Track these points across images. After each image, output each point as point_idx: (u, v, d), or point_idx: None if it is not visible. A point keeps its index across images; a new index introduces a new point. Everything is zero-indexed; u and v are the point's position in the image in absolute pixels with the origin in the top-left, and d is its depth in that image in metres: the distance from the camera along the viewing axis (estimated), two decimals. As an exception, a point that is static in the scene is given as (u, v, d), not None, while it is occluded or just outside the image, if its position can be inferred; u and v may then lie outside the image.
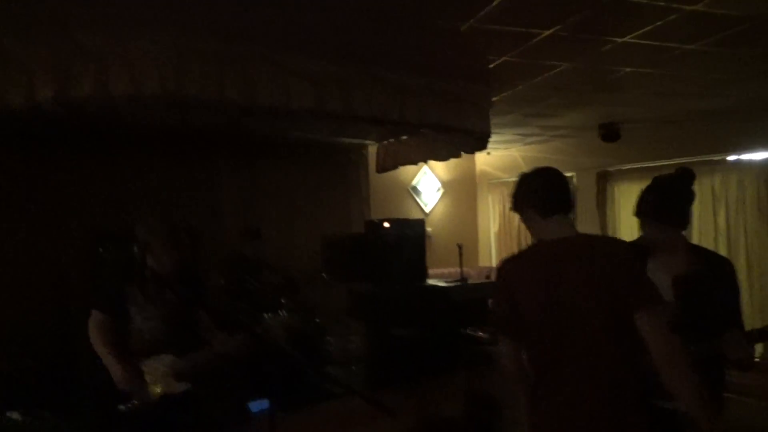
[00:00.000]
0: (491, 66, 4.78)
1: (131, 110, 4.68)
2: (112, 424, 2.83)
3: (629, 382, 1.82)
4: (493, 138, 7.73)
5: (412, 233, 5.39)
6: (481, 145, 5.76)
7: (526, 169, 8.47)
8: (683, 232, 2.42)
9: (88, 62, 3.49)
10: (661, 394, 1.85)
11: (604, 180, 7.64)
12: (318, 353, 4.89)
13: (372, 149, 7.78)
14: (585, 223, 7.84)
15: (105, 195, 5.00)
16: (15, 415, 3.83)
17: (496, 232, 9.10)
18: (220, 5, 3.57)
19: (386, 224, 5.24)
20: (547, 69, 4.79)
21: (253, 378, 4.23)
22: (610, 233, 7.56)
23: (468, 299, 5.07)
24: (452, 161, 8.97)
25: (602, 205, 7.68)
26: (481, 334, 4.77)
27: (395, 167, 7.50)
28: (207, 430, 2.94)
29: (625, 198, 7.53)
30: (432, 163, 8.69)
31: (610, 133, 6.60)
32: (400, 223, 5.29)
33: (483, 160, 9.24)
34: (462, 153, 6.50)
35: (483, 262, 9.18)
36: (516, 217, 8.46)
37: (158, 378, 2.72)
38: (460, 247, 5.92)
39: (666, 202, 2.28)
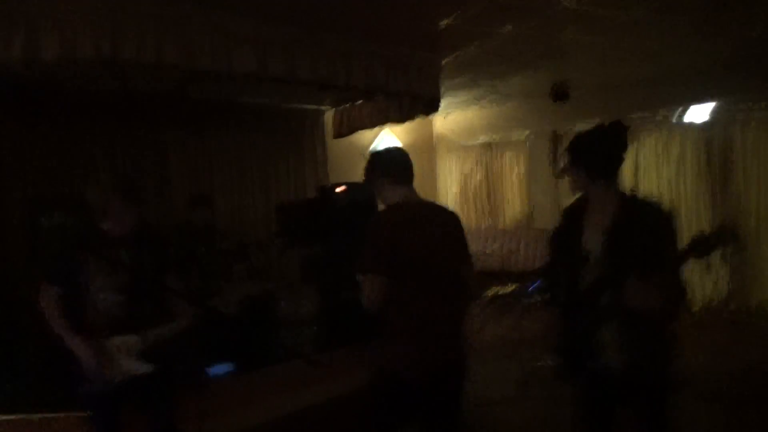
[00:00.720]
0: (438, 30, 4.76)
1: (69, 75, 4.58)
2: (74, 406, 2.75)
3: (460, 308, 2.65)
4: (448, 99, 7.80)
5: (364, 197, 5.41)
6: (432, 108, 5.81)
7: (483, 132, 8.52)
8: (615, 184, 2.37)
9: (18, 25, 3.39)
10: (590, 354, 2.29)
11: (556, 140, 7.78)
12: (271, 317, 4.94)
13: (329, 114, 7.75)
14: (540, 182, 8.02)
15: (45, 164, 4.86)
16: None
17: (455, 194, 9.22)
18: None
19: (339, 189, 5.25)
20: (490, 34, 4.78)
21: (212, 342, 4.31)
22: (561, 191, 7.74)
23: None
24: (411, 124, 9.00)
25: (555, 163, 7.83)
26: None
27: (351, 132, 7.50)
28: (169, 401, 2.73)
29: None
30: (394, 126, 8.69)
31: (560, 93, 6.71)
32: (352, 188, 5.29)
33: (441, 123, 9.27)
34: (416, 116, 6.55)
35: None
36: (476, 179, 8.58)
37: (121, 359, 2.53)
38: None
39: (598, 154, 2.31)
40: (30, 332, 3.90)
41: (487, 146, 8.73)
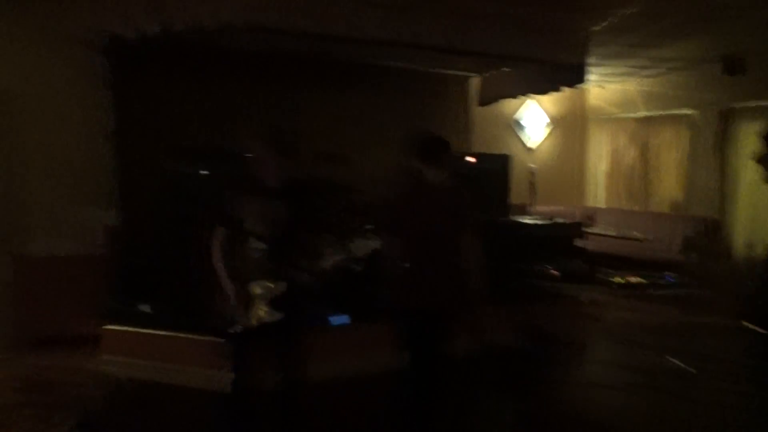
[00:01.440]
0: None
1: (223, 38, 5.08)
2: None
3: (453, 267, 3.10)
4: (605, 70, 7.32)
5: (494, 168, 5.35)
6: (577, 79, 5.51)
7: (641, 105, 7.79)
8: None
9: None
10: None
11: (726, 118, 6.91)
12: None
13: (474, 81, 7.67)
14: (702, 164, 7.23)
15: (202, 116, 5.54)
16: (144, 307, 4.62)
17: (606, 171, 8.67)
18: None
19: (469, 158, 5.24)
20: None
21: (335, 294, 4.63)
22: (729, 179, 6.92)
23: (544, 237, 4.98)
24: (563, 95, 8.61)
25: (722, 147, 6.99)
26: (554, 272, 4.71)
27: (496, 100, 7.39)
28: (295, 347, 2.94)
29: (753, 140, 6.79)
30: (540, 97, 8.38)
31: (733, 65, 5.93)
32: (483, 158, 5.25)
33: (596, 94, 8.71)
34: (560, 87, 6.26)
35: (590, 202, 8.86)
36: (629, 156, 7.96)
37: (256, 304, 2.76)
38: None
39: None
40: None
41: (645, 121, 8.05)
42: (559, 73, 5.52)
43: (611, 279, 6.02)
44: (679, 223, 7.13)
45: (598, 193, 8.82)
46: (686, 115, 7.45)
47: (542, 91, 6.47)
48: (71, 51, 4.63)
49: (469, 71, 7.41)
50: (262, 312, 2.76)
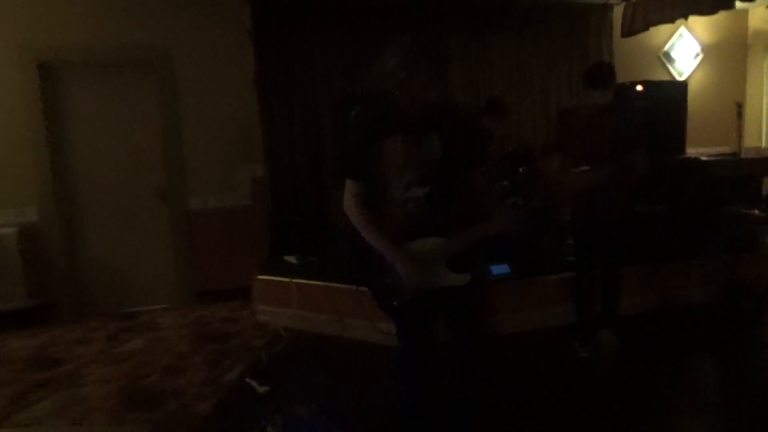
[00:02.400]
0: None
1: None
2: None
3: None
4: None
5: (668, 97, 4.70)
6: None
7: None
8: None
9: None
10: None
11: None
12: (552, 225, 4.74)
13: (617, 11, 6.91)
14: None
15: (347, 65, 5.36)
16: (291, 259, 4.61)
17: (769, 106, 7.59)
18: None
19: (639, 87, 4.65)
20: None
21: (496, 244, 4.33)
22: None
23: (735, 176, 4.32)
24: (718, 19, 7.58)
25: None
26: (756, 211, 4.05)
27: (646, 28, 6.57)
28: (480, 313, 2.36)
29: None
30: (691, 23, 7.41)
31: None
32: (655, 86, 4.63)
33: (760, 15, 7.55)
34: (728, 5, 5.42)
35: (751, 142, 7.82)
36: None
37: (428, 265, 2.17)
38: (739, 106, 4.86)
39: None
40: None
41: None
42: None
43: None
44: None
45: (762, 132, 7.74)
46: None
47: (708, 11, 5.61)
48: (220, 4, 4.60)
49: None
50: (435, 273, 2.17)
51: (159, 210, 4.85)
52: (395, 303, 2.23)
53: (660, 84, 5.04)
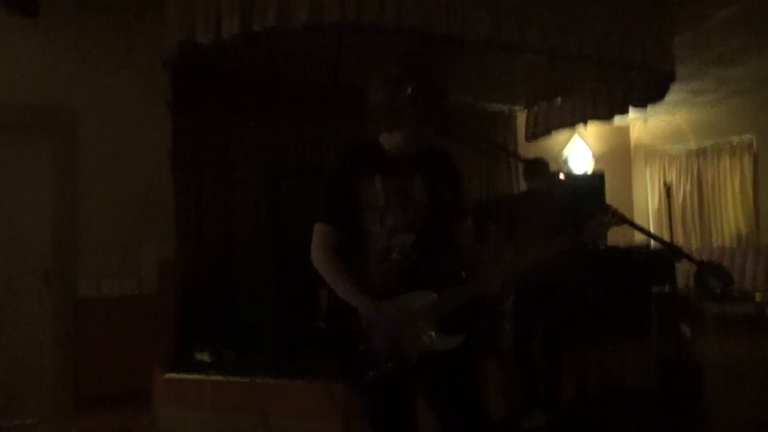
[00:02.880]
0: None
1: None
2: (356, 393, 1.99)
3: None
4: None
5: (588, 188, 4.95)
6: (660, 92, 5.18)
7: (693, 137, 7.66)
8: None
9: (272, -6, 3.52)
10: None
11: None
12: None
13: (521, 117, 7.42)
14: (765, 191, 6.92)
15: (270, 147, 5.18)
16: (203, 356, 3.99)
17: (654, 210, 8.30)
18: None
19: (561, 176, 4.85)
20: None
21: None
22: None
23: (652, 263, 4.53)
24: (605, 132, 8.40)
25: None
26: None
27: (548, 132, 7.04)
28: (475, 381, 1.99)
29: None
30: (583, 134, 8.12)
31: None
32: (575, 178, 4.86)
33: (640, 129, 8.48)
34: (627, 110, 5.98)
35: (642, 237, 8.43)
36: (679, 191, 7.60)
37: (417, 328, 1.82)
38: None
39: None
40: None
41: (698, 153, 7.75)
42: (640, 87, 5.22)
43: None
44: (749, 254, 6.71)
45: (651, 228, 8.39)
46: (746, 142, 7.17)
47: (605, 117, 6.12)
48: (137, 69, 4.24)
49: (516, 105, 7.18)
50: (426, 337, 1.80)
51: (41, 297, 4.08)
52: (371, 374, 1.79)
53: (579, 176, 5.29)
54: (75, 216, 4.14)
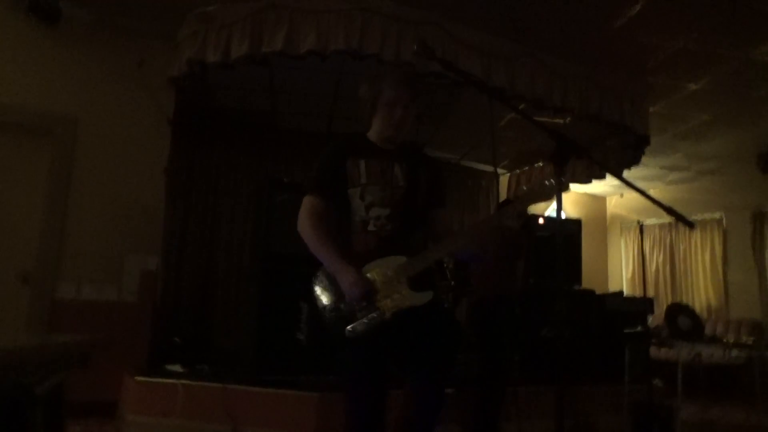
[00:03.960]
0: (656, 59, 4.61)
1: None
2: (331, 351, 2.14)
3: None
4: (632, 174, 7.43)
5: (566, 232, 5.13)
6: (635, 157, 5.49)
7: (665, 211, 8.14)
8: None
9: (280, 21, 3.79)
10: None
11: (761, 220, 6.96)
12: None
13: (504, 179, 7.72)
14: (737, 269, 7.16)
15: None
16: (176, 367, 3.94)
17: (628, 278, 8.52)
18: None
19: (540, 220, 5.04)
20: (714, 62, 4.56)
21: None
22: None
23: (624, 310, 4.65)
24: (584, 198, 8.74)
25: (760, 248, 6.95)
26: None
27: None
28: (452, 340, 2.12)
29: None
30: (564, 199, 8.44)
31: (768, 164, 6.12)
32: (553, 221, 5.05)
33: (615, 202, 8.85)
34: (603, 175, 6.31)
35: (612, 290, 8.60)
36: (654, 262, 7.85)
37: (390, 287, 2.02)
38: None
39: None
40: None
41: (671, 226, 8.08)
42: (617, 150, 5.54)
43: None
44: (719, 325, 6.86)
45: (624, 289, 8.57)
46: (716, 219, 7.50)
47: (584, 180, 6.44)
48: (143, 86, 4.43)
49: (499, 167, 7.50)
50: (398, 295, 2.00)
51: (19, 298, 4.04)
52: (349, 330, 2.01)
53: (558, 220, 5.48)
54: (64, 220, 4.17)
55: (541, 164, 7.13)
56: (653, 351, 4.95)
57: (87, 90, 4.32)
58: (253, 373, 3.66)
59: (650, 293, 8.05)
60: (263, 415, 3.36)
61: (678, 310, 3.93)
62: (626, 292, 8.47)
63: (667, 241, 8.08)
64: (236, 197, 5.39)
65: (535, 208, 7.70)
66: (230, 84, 4.83)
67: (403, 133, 2.26)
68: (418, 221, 2.21)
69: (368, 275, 2.04)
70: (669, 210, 1.62)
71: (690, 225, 1.71)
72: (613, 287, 8.65)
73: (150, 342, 4.20)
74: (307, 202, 2.18)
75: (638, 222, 4.41)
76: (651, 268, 8.18)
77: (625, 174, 6.48)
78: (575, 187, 7.99)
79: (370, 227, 2.12)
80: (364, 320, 2.00)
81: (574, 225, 5.74)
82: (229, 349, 4.36)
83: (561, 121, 5.25)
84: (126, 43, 4.44)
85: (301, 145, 5.85)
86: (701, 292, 7.55)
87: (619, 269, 8.76)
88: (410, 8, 3.88)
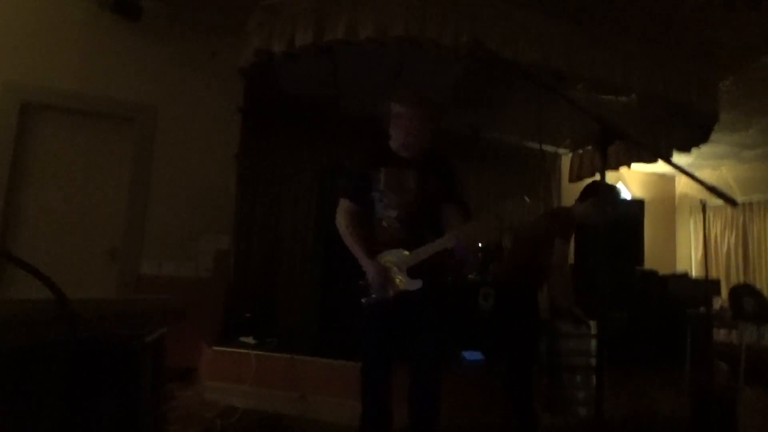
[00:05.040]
0: (724, 34, 4.43)
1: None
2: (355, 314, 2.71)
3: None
4: (702, 151, 7.17)
5: (629, 214, 5.08)
6: (703, 135, 5.34)
7: (738, 191, 7.69)
8: None
9: (342, 10, 3.94)
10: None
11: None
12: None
13: (566, 160, 7.63)
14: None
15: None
16: (248, 339, 4.26)
17: (698, 260, 8.25)
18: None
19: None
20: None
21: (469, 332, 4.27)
22: None
23: (688, 292, 4.57)
24: (651, 178, 8.49)
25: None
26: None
27: (592, 174, 7.24)
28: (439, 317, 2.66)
29: None
30: (629, 179, 8.25)
31: None
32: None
33: (685, 181, 8.54)
34: (670, 154, 6.13)
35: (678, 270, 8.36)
36: (726, 244, 7.56)
37: (394, 273, 2.61)
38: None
39: None
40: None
41: (744, 207, 7.75)
42: (683, 130, 5.40)
43: None
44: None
45: (693, 271, 8.32)
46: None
47: (647, 160, 6.31)
48: (216, 75, 4.71)
49: (561, 147, 7.41)
50: (398, 280, 2.60)
51: (107, 272, 4.45)
52: (364, 301, 2.64)
53: (622, 201, 5.41)
54: (146, 200, 4.54)
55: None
56: (718, 334, 4.85)
57: (165, 80, 4.64)
58: (317, 345, 3.90)
59: (721, 275, 7.80)
60: (326, 383, 3.60)
61: (744, 292, 3.84)
62: (696, 274, 8.23)
63: (740, 222, 7.76)
64: (300, 182, 5.65)
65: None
66: (295, 72, 5.04)
67: (418, 142, 2.68)
68: (428, 219, 2.67)
69: (382, 262, 2.62)
70: (711, 189, 1.66)
71: (733, 203, 1.76)
72: (681, 269, 8.42)
73: (224, 315, 4.53)
74: (342, 205, 2.77)
75: (701, 201, 4.30)
76: (722, 249, 7.89)
77: (695, 152, 6.33)
78: (641, 167, 7.77)
79: (384, 224, 2.67)
80: (373, 295, 2.62)
81: (637, 206, 5.64)
82: (294, 325, 4.63)
83: (624, 99, 5.20)
84: (200, 36, 4.72)
85: (362, 130, 6.01)
86: (775, 276, 7.25)
87: (688, 251, 8.49)
88: (466, -6, 3.92)
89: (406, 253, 2.60)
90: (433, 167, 2.71)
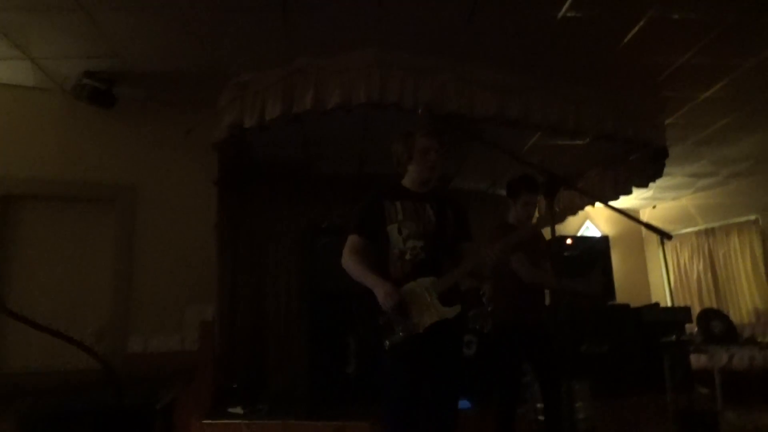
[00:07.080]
0: (665, 74, 4.77)
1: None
2: (377, 362, 2.50)
3: None
4: (661, 184, 7.52)
5: (595, 249, 5.30)
6: (658, 170, 5.63)
7: (700, 219, 7.97)
8: None
9: (308, 81, 4.19)
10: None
11: (797, 218, 6.95)
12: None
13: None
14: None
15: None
16: (237, 410, 4.27)
17: (673, 287, 8.49)
18: (412, 24, 4.06)
19: (568, 240, 5.23)
20: (724, 71, 4.70)
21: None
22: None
23: (660, 321, 4.76)
24: (617, 216, 8.80)
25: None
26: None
27: (562, 219, 7.50)
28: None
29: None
30: (596, 217, 8.55)
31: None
32: (581, 240, 5.23)
33: (649, 215, 8.88)
34: (630, 189, 6.43)
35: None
36: (695, 271, 7.81)
37: (423, 303, 2.43)
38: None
39: None
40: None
41: (707, 233, 8.08)
42: (637, 167, 5.70)
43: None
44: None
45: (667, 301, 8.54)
46: (752, 221, 7.49)
47: (612, 197, 6.55)
48: (191, 152, 4.89)
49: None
50: (433, 309, 2.42)
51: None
52: (387, 342, 2.42)
53: (586, 238, 5.65)
54: (130, 279, 4.60)
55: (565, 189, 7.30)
56: (694, 359, 5.01)
57: (142, 160, 4.81)
58: (308, 407, 3.94)
59: (694, 302, 8.04)
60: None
61: (711, 316, 4.02)
62: (672, 302, 8.45)
63: (706, 248, 8.08)
64: (279, 244, 5.78)
65: (562, 229, 7.76)
66: (267, 140, 5.24)
67: (436, 175, 2.75)
68: (447, 251, 2.64)
69: (410, 293, 2.46)
70: (645, 224, 1.85)
71: (667, 237, 1.94)
72: (657, 299, 8.64)
73: (212, 387, 4.53)
74: (349, 241, 2.66)
75: (659, 237, 4.53)
76: (692, 276, 8.17)
77: (652, 186, 6.65)
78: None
79: (407, 256, 2.56)
80: (400, 333, 2.40)
81: (602, 242, 5.88)
82: (284, 388, 4.65)
83: (581, 142, 5.51)
84: (174, 114, 4.92)
85: (336, 189, 6.22)
86: (746, 295, 7.50)
87: (660, 280, 8.74)
88: (424, 58, 4.21)
89: (434, 279, 2.49)
90: (447, 203, 2.72)
